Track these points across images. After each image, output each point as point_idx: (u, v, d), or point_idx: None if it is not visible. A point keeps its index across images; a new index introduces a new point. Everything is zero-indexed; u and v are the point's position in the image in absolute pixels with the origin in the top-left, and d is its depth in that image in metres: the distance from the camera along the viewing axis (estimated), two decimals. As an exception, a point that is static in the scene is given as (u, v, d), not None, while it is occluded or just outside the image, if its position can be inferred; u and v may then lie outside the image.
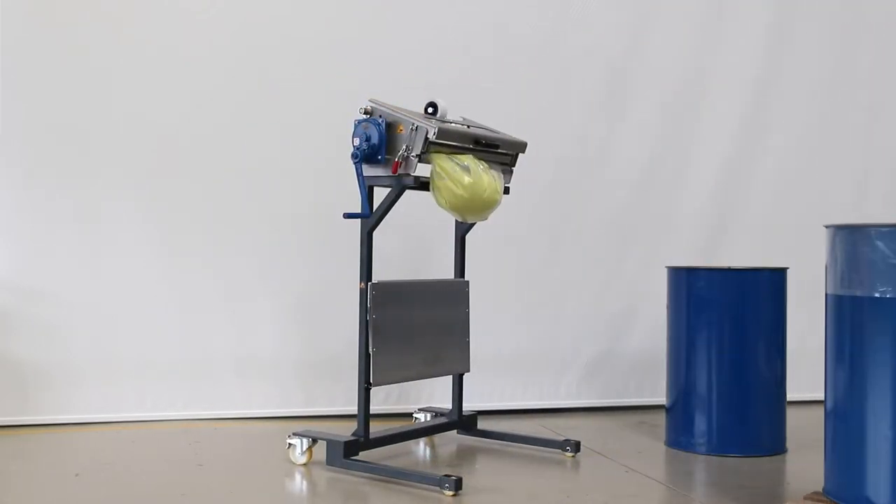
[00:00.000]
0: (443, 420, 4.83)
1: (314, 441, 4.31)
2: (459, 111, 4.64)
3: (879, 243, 3.13)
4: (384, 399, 5.45)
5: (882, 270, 3.12)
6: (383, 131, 4.10)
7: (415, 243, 5.57)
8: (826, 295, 3.40)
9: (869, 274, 3.16)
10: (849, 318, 3.27)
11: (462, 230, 4.80)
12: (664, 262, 5.15)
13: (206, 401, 5.37)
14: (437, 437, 4.92)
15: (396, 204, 4.15)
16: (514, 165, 4.67)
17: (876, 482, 3.16)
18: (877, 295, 3.14)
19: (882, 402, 3.15)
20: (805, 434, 4.94)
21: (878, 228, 3.15)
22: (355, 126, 4.16)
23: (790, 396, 4.79)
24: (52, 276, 5.21)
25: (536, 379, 5.76)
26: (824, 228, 3.40)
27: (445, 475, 3.84)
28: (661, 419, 5.04)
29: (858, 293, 3.20)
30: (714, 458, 4.55)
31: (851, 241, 3.23)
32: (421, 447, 4.76)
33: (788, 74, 6.11)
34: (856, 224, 3.25)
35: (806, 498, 3.40)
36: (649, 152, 5.93)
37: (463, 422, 4.85)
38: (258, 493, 3.88)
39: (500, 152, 4.53)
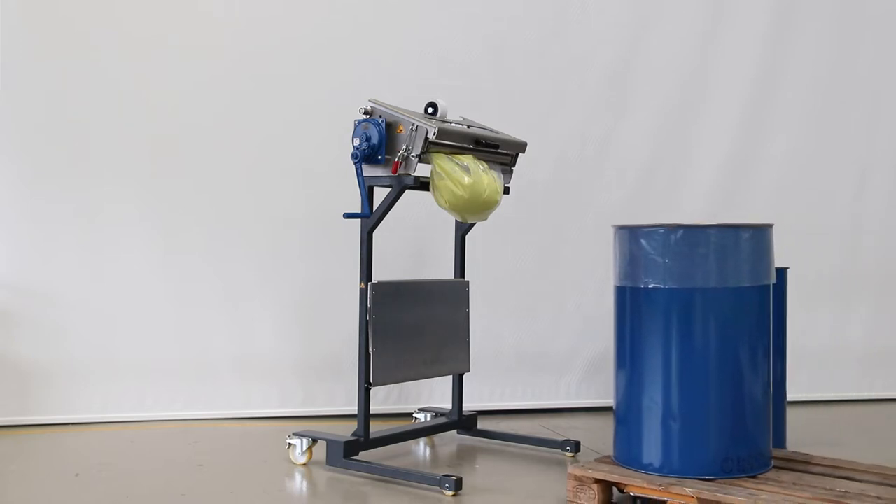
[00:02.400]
0: (443, 420, 4.83)
1: (314, 441, 4.32)
2: (459, 111, 4.65)
3: (643, 241, 3.61)
4: (384, 399, 5.45)
5: (648, 265, 3.61)
6: (383, 131, 4.10)
7: (415, 243, 5.57)
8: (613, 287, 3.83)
9: (639, 268, 3.64)
10: (628, 306, 3.73)
11: (462, 230, 4.80)
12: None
13: (205, 401, 5.37)
14: (437, 437, 4.92)
15: (396, 204, 4.15)
16: (514, 165, 4.67)
17: (650, 448, 3.60)
18: (642, 286, 3.63)
19: (653, 377, 3.61)
20: (805, 434, 4.95)
21: (643, 229, 3.63)
22: (355, 126, 4.16)
23: (790, 396, 4.79)
24: (52, 277, 5.21)
25: (536, 379, 5.76)
26: (611, 228, 3.83)
27: (445, 475, 3.84)
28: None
29: (632, 284, 3.68)
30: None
31: (626, 239, 3.71)
32: (421, 447, 4.76)
33: (788, 74, 6.11)
34: (629, 225, 3.71)
35: (596, 461, 3.77)
36: (649, 152, 5.93)
37: (463, 422, 4.85)
38: (258, 493, 3.88)
39: (500, 152, 4.53)
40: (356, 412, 4.24)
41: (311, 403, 5.48)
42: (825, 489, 3.32)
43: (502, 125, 4.77)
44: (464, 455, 4.63)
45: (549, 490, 3.93)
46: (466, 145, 4.29)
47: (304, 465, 4.30)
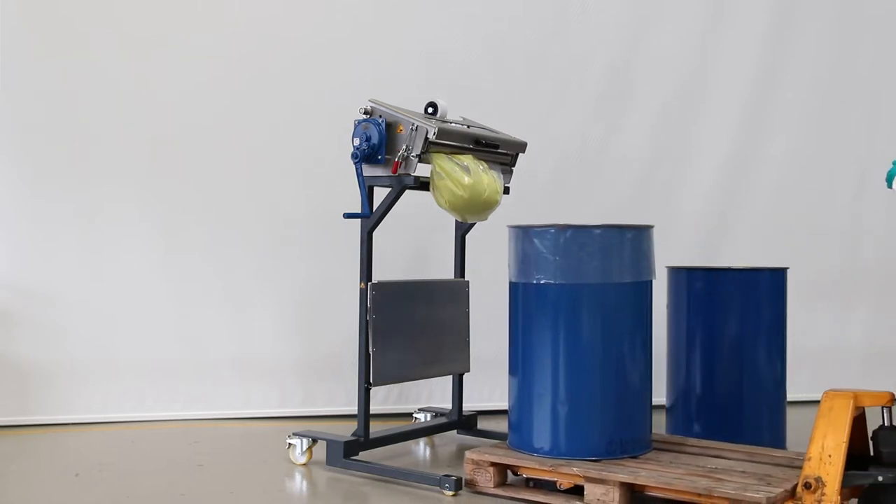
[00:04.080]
0: (443, 420, 4.83)
1: (314, 441, 4.32)
2: (459, 111, 4.65)
3: (536, 240, 3.85)
4: (384, 399, 5.45)
5: (539, 262, 3.85)
6: (383, 131, 4.10)
7: (415, 243, 5.57)
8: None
9: (531, 265, 3.88)
10: (520, 301, 3.97)
11: (462, 230, 4.80)
12: (664, 262, 5.14)
13: (205, 401, 5.37)
14: (437, 437, 4.92)
15: (396, 204, 4.15)
16: (514, 165, 4.67)
17: (540, 432, 3.85)
18: (534, 282, 3.86)
19: (543, 367, 3.86)
20: (805, 434, 4.93)
21: (536, 228, 3.87)
22: (355, 126, 4.16)
23: (790, 396, 4.79)
24: (52, 277, 5.21)
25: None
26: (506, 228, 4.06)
27: (445, 475, 3.84)
28: (660, 419, 5.03)
29: (525, 280, 3.92)
30: (714, 458, 4.56)
31: (519, 238, 3.95)
32: (421, 447, 4.76)
33: (788, 74, 6.11)
34: (522, 225, 3.95)
35: (493, 446, 4.00)
36: (649, 152, 5.93)
37: (463, 422, 4.85)
38: (258, 493, 3.88)
39: (500, 152, 4.53)
40: (356, 412, 4.24)
41: (311, 403, 5.49)
42: (698, 466, 3.67)
43: (502, 125, 4.77)
44: (464, 455, 4.61)
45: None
46: (466, 145, 4.29)
47: (304, 465, 4.30)
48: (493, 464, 3.82)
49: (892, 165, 3.49)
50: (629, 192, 5.90)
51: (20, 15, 5.16)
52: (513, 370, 4.00)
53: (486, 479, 3.82)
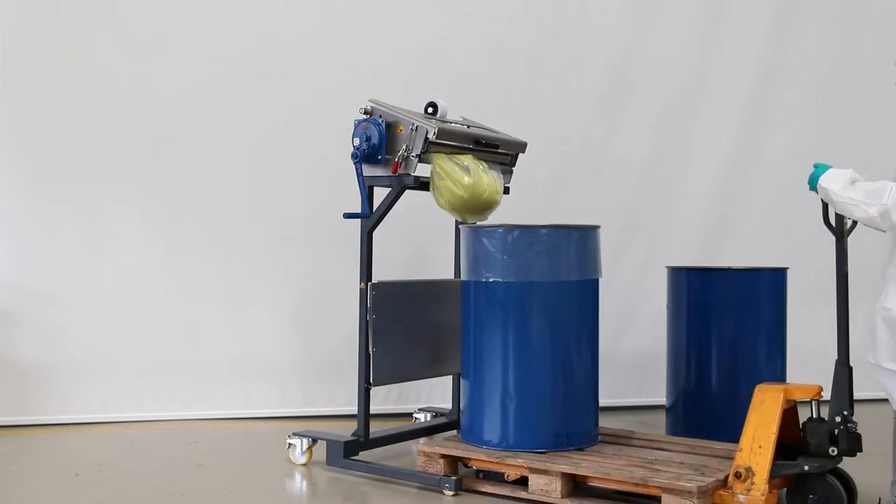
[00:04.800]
0: (443, 420, 4.82)
1: (314, 441, 4.32)
2: (459, 111, 4.64)
3: (485, 240, 3.98)
4: (384, 399, 5.45)
5: (489, 261, 3.98)
6: (383, 131, 4.10)
7: (415, 243, 5.57)
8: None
9: (481, 264, 4.00)
10: (472, 298, 4.08)
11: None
12: (664, 262, 5.14)
13: (205, 401, 5.37)
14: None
15: (396, 204, 4.15)
16: (514, 165, 4.67)
17: (490, 426, 3.97)
18: (483, 280, 3.98)
19: (493, 362, 3.98)
20: (805, 434, 4.93)
21: (485, 228, 4.00)
22: (355, 126, 4.16)
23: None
24: (52, 277, 5.21)
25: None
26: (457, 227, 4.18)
27: (445, 475, 3.84)
28: (661, 419, 5.03)
29: (476, 278, 4.04)
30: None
31: (470, 238, 4.08)
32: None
33: (788, 74, 6.10)
34: (472, 225, 4.12)
35: (445, 439, 4.13)
36: (649, 152, 5.93)
37: (463, 422, 4.85)
38: (258, 493, 3.88)
39: (500, 152, 4.53)
40: (356, 412, 4.24)
41: (311, 403, 5.49)
42: (639, 458, 3.80)
43: (502, 125, 4.77)
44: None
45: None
46: (466, 145, 4.29)
47: (304, 465, 4.30)
48: (444, 455, 3.96)
49: (813, 168, 3.52)
50: (629, 192, 5.90)
51: (20, 15, 5.16)
52: (465, 366, 4.13)
53: (437, 471, 3.94)
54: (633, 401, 5.85)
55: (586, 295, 4.10)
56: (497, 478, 3.89)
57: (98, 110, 5.26)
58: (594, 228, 4.12)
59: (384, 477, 4.06)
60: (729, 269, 4.76)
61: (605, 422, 5.44)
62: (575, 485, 3.69)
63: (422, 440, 4.06)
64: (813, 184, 3.46)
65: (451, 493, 3.78)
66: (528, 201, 5.46)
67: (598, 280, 4.14)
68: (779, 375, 4.66)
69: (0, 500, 3.74)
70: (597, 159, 5.87)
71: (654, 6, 5.94)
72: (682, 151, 5.98)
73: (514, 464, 3.78)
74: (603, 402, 5.81)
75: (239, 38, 5.42)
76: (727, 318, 4.62)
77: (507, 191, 4.55)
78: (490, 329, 4.00)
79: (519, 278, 3.93)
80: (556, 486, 3.64)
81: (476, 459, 3.91)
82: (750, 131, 6.05)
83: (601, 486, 3.64)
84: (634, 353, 5.86)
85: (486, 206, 4.24)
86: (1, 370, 5.11)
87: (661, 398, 5.05)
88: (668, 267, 4.91)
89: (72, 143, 5.25)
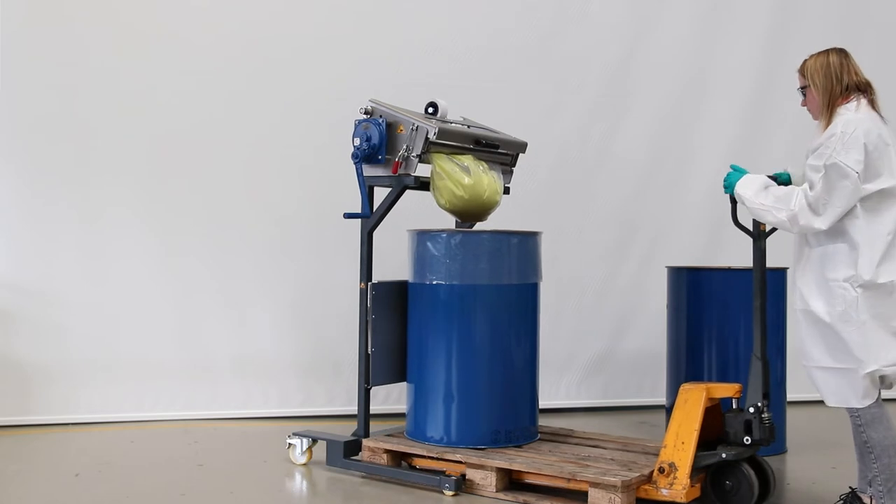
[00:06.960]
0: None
1: (314, 441, 4.32)
2: (459, 111, 4.64)
3: (430, 244, 4.10)
4: (384, 399, 5.45)
5: (433, 264, 4.10)
6: (383, 131, 4.10)
7: (415, 243, 5.56)
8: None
9: (425, 266, 4.13)
10: (418, 300, 4.20)
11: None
12: (664, 262, 5.14)
13: (205, 401, 5.37)
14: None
15: (396, 204, 4.15)
16: (514, 166, 4.67)
17: (433, 423, 4.11)
18: (428, 282, 4.11)
19: (436, 361, 4.11)
20: (805, 434, 4.95)
21: (430, 233, 4.12)
22: (356, 126, 4.16)
23: (790, 396, 4.79)
24: (53, 277, 5.21)
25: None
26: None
27: (445, 475, 3.84)
28: (661, 419, 5.04)
29: (421, 281, 4.16)
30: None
31: (415, 241, 4.20)
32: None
33: (789, 74, 6.08)
34: (418, 229, 4.19)
35: (388, 434, 4.25)
36: (649, 152, 5.93)
37: (463, 422, 4.85)
38: (258, 493, 3.88)
39: (500, 152, 4.52)
40: (356, 412, 4.24)
41: (311, 403, 5.49)
42: (573, 454, 3.95)
43: (502, 125, 4.77)
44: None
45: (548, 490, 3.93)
46: (466, 145, 4.29)
47: (304, 465, 4.30)
48: (387, 451, 4.10)
49: (730, 170, 3.58)
50: (629, 192, 5.90)
51: (20, 15, 5.16)
52: (410, 364, 4.24)
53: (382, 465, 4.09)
54: (634, 401, 5.86)
55: (526, 298, 4.21)
56: (438, 474, 3.92)
57: (98, 110, 5.26)
58: (535, 234, 4.24)
59: (384, 477, 4.06)
60: (729, 269, 4.76)
61: (605, 422, 5.48)
62: (511, 480, 3.84)
63: (365, 439, 4.16)
64: (729, 188, 3.55)
65: (450, 493, 3.78)
66: (528, 201, 5.46)
67: (537, 284, 4.26)
68: (779, 375, 4.66)
69: (0, 500, 3.74)
70: (597, 159, 5.87)
71: (654, 6, 5.93)
72: (682, 151, 5.98)
73: (452, 459, 3.91)
74: (603, 402, 5.88)
75: (239, 37, 5.42)
76: (727, 318, 4.62)
77: (507, 191, 4.55)
78: (433, 330, 4.14)
79: (462, 281, 4.07)
80: (492, 480, 3.79)
81: (417, 455, 4.04)
82: (750, 131, 6.05)
83: (534, 481, 3.79)
84: (634, 353, 5.86)
85: (486, 207, 4.24)
86: (1, 370, 5.11)
87: (661, 398, 5.05)
88: (668, 267, 4.92)
89: (72, 143, 5.24)
